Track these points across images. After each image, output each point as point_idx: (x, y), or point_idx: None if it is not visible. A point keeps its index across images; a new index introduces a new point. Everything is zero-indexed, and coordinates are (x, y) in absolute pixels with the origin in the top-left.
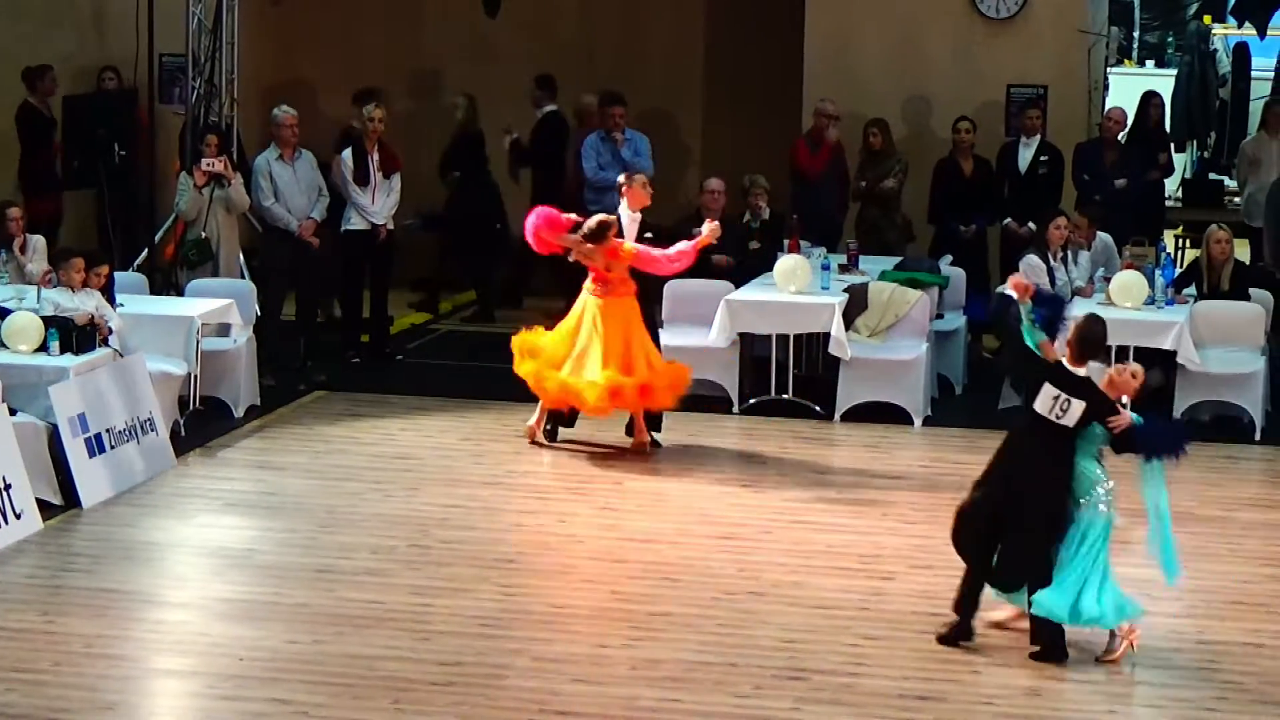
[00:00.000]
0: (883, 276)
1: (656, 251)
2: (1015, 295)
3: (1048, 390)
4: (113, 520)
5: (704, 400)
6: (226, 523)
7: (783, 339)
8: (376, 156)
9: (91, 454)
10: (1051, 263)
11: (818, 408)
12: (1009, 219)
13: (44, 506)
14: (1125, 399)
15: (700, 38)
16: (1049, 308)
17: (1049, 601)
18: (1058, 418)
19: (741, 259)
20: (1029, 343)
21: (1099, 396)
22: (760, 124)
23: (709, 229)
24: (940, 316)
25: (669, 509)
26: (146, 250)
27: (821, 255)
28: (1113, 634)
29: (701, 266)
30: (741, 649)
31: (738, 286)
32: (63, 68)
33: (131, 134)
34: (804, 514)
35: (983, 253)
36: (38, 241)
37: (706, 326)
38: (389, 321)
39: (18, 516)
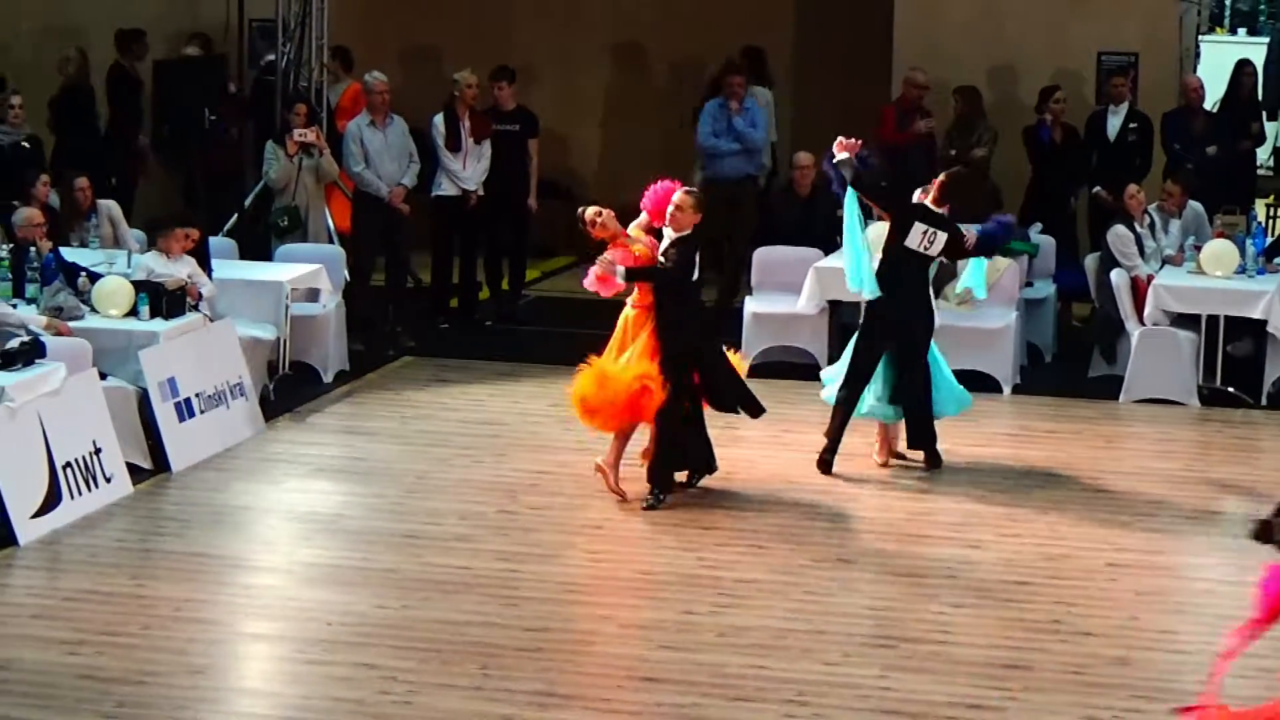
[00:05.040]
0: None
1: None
2: (843, 154)
3: (917, 226)
4: (202, 485)
5: (792, 367)
6: (315, 488)
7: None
8: (468, 123)
9: (181, 418)
10: (1139, 230)
11: None
12: (1098, 187)
13: (134, 470)
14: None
15: (790, 3)
16: (865, 165)
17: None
18: (925, 249)
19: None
20: (852, 201)
21: (956, 229)
22: (849, 92)
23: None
24: (1030, 285)
25: (757, 475)
26: (236, 216)
27: None
28: None
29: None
30: (829, 616)
31: (827, 254)
32: (153, 32)
33: (221, 100)
34: (892, 481)
35: (1072, 221)
36: (110, 207)
37: (795, 293)
38: (478, 288)
39: (108, 480)
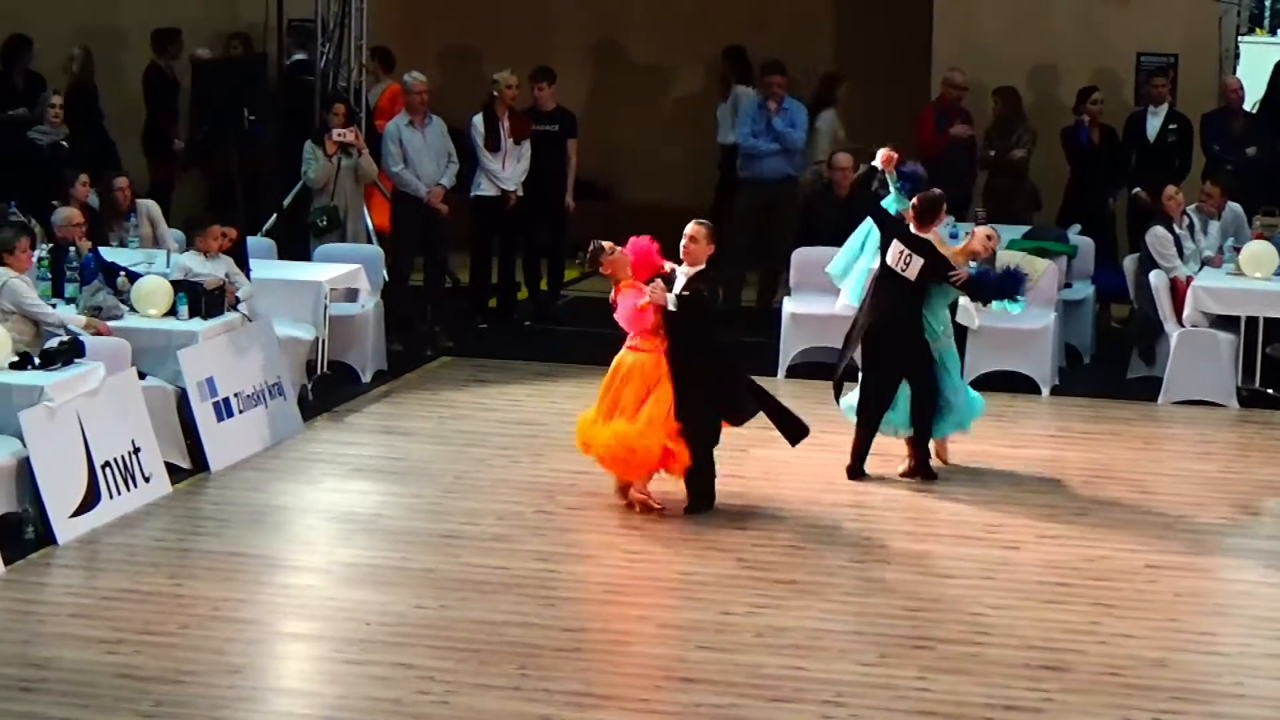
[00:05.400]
0: (1011, 245)
1: (625, 303)
2: (881, 166)
3: (895, 245)
4: (240, 484)
5: (831, 368)
6: (353, 488)
7: None
8: (507, 123)
9: (220, 418)
10: (1178, 231)
11: None
12: (1137, 188)
13: (172, 470)
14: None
15: (829, 4)
16: (910, 180)
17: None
18: (901, 270)
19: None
20: (894, 209)
21: (937, 256)
22: (888, 92)
23: (650, 292)
24: (1069, 286)
25: (795, 476)
26: (275, 216)
27: (950, 224)
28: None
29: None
30: (866, 617)
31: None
32: (190, 32)
33: (260, 100)
34: (930, 482)
35: (1110, 222)
36: (149, 206)
37: (834, 294)
38: (516, 288)
39: (147, 480)
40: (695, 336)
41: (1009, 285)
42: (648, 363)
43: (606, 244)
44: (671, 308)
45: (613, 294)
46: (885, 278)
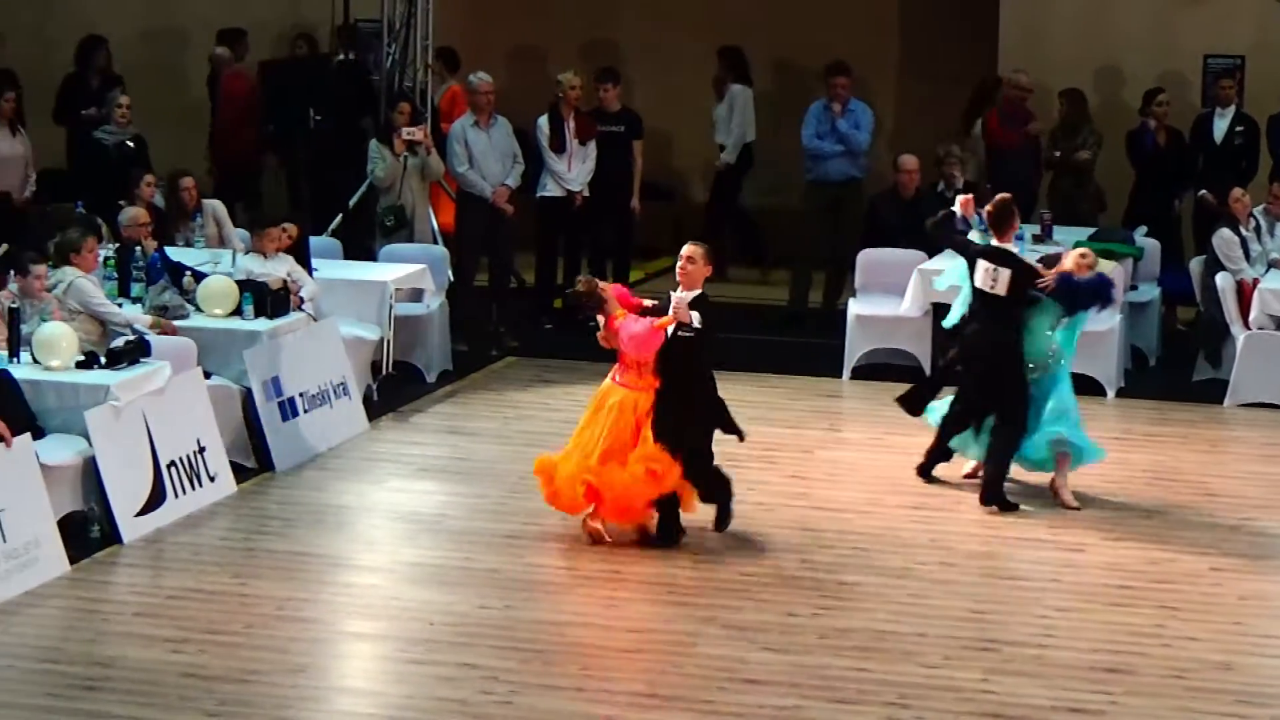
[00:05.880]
0: (1076, 247)
1: (635, 328)
2: (961, 212)
3: (981, 264)
4: (305, 484)
5: (896, 370)
6: (418, 487)
7: None
8: (573, 124)
9: (284, 418)
10: (1244, 233)
11: None
12: (1203, 190)
13: (237, 470)
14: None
15: (895, 5)
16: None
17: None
18: (991, 288)
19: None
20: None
21: (1023, 264)
22: (953, 94)
23: (673, 310)
24: (1135, 288)
25: (859, 478)
26: (340, 216)
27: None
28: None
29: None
30: (931, 619)
31: (931, 256)
32: (256, 33)
33: (326, 99)
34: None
35: (1177, 224)
36: (215, 206)
37: (899, 296)
38: None
39: (212, 479)
40: (698, 363)
41: (1101, 291)
42: (642, 402)
43: (600, 283)
44: (697, 324)
45: (603, 328)
46: (979, 304)
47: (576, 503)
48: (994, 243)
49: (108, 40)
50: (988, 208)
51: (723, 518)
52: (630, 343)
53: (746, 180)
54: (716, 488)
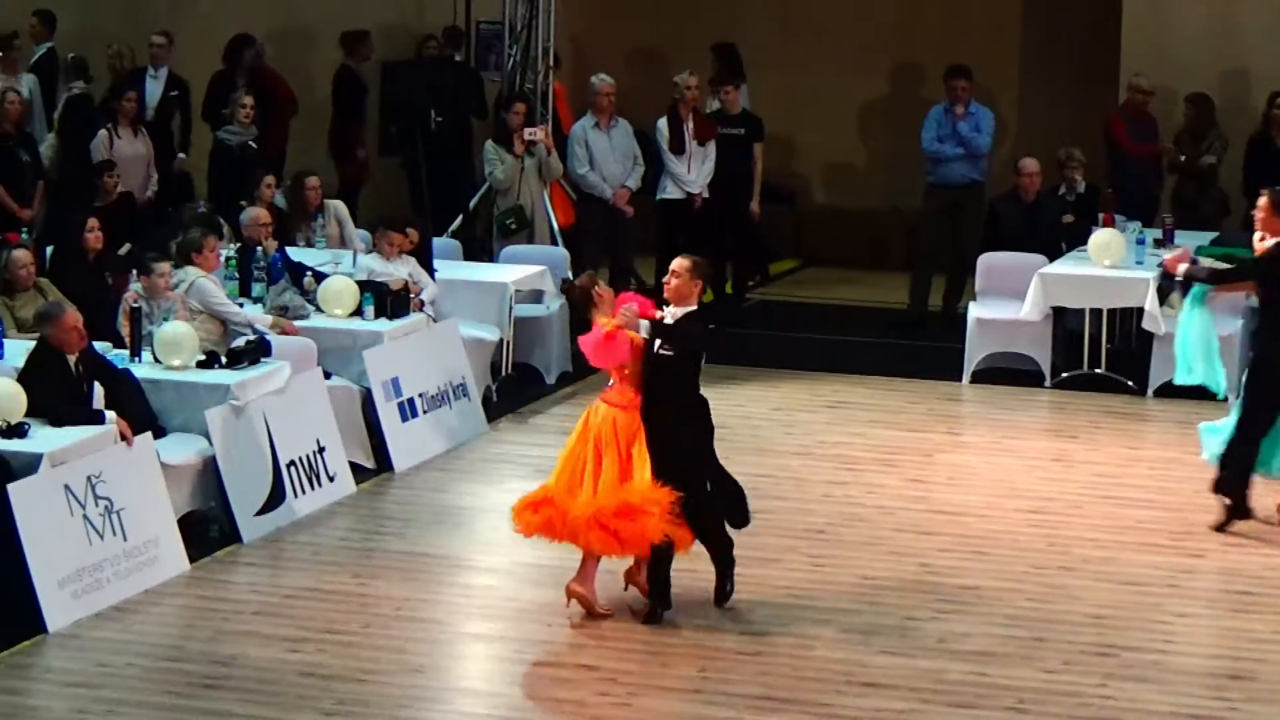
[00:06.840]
0: (1199, 252)
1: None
2: (1175, 274)
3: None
4: (424, 484)
5: (1016, 374)
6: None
7: (1096, 313)
8: (692, 125)
9: (404, 418)
10: None
11: (1130, 383)
12: None
13: (357, 470)
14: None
15: (1018, 7)
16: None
17: None
18: None
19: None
20: (1202, 295)
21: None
22: (1076, 95)
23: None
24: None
25: (978, 482)
26: (461, 217)
27: (1137, 230)
28: None
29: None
30: (1050, 624)
31: (1051, 260)
32: (380, 34)
33: (449, 101)
34: (1114, 489)
35: None
36: (337, 207)
37: (1020, 299)
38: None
39: (331, 479)
40: (680, 383)
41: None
42: (621, 420)
43: (598, 285)
44: (643, 335)
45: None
46: (1267, 314)
47: (583, 542)
48: (1260, 239)
49: (256, 40)
50: (1265, 196)
51: (723, 588)
52: (586, 349)
53: (866, 183)
54: (718, 547)
